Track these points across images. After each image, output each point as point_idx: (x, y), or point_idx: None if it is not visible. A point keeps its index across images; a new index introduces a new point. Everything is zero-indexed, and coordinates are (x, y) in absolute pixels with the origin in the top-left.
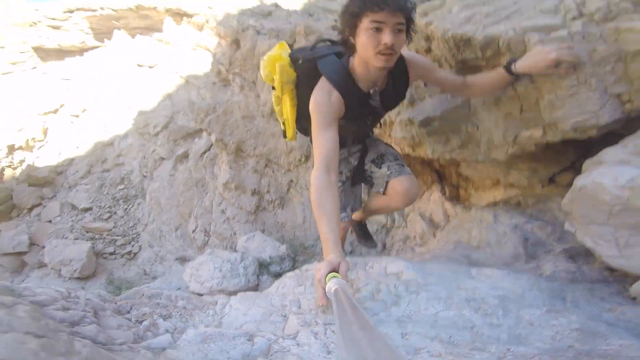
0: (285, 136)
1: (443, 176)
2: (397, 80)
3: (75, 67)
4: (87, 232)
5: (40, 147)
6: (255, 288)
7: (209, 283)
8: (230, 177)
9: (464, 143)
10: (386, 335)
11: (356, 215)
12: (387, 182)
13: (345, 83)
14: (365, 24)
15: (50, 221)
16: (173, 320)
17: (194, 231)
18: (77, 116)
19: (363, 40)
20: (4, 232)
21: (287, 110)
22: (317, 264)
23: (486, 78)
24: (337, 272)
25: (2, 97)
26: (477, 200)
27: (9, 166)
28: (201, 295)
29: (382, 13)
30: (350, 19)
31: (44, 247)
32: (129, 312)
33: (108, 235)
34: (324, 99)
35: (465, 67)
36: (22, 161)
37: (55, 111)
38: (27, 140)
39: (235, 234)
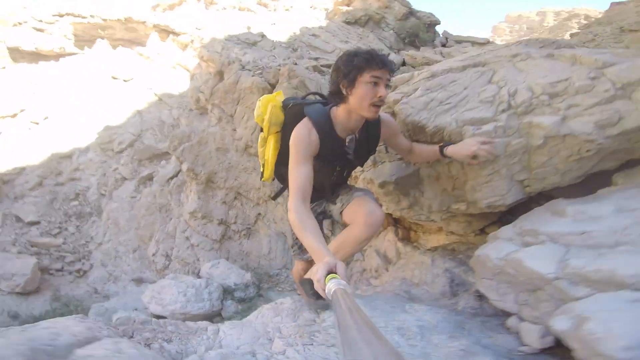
0: (262, 177)
1: (398, 220)
2: (371, 134)
3: (47, 72)
4: (33, 246)
5: None
6: (219, 313)
7: (171, 306)
8: (198, 207)
9: (411, 205)
10: (386, 336)
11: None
12: (341, 213)
13: (325, 126)
14: (366, 77)
15: None
16: (175, 344)
17: (154, 254)
18: (37, 123)
19: (361, 92)
20: None
21: (270, 153)
22: (313, 267)
23: (425, 152)
24: (335, 272)
25: None
26: (425, 242)
27: None
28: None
29: (381, 70)
30: (352, 71)
31: None
32: (132, 337)
33: (56, 251)
34: (304, 134)
35: (414, 140)
36: None
37: (14, 115)
38: None
39: (198, 260)
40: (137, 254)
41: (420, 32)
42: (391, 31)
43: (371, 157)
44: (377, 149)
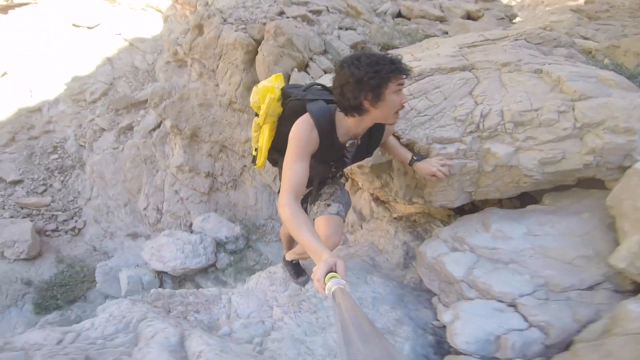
0: (254, 162)
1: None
2: (373, 138)
3: None
4: (23, 208)
5: None
6: (214, 264)
7: (172, 263)
8: (185, 161)
9: (382, 186)
10: (385, 335)
11: (289, 255)
12: (314, 220)
13: (327, 129)
14: (393, 88)
15: None
16: (203, 314)
17: (145, 209)
18: None
19: (389, 104)
20: None
21: (264, 140)
22: (314, 268)
23: (399, 154)
24: (335, 271)
25: None
26: (393, 208)
27: None
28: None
29: (405, 77)
30: (381, 85)
31: None
32: (170, 312)
33: (47, 210)
34: (306, 131)
35: None
36: None
37: None
38: None
39: (189, 213)
40: (128, 209)
41: None
42: None
43: None
44: None
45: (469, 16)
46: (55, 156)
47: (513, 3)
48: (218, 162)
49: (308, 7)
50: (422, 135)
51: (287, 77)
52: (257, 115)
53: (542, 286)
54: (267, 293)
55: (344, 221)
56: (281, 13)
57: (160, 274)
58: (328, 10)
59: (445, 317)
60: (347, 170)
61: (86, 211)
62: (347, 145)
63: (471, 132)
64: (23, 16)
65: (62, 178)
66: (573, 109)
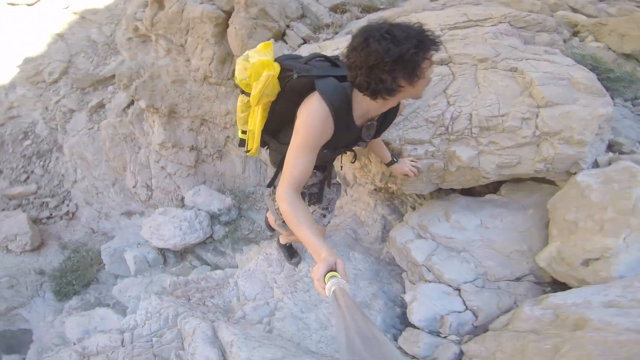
0: (243, 146)
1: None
2: (388, 117)
3: None
4: (11, 199)
5: None
6: (211, 236)
7: (172, 240)
8: (166, 138)
9: (362, 167)
10: (384, 335)
11: (283, 238)
12: None
13: (343, 114)
14: (428, 63)
15: None
16: (216, 298)
17: (134, 187)
18: None
19: (425, 81)
20: None
21: (256, 122)
22: (315, 267)
23: (381, 152)
24: (335, 270)
25: None
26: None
27: None
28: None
29: (437, 47)
30: (421, 63)
31: None
32: (190, 300)
33: (35, 198)
34: (320, 121)
35: None
36: None
37: None
38: None
39: (179, 187)
40: (117, 187)
41: None
42: None
43: None
44: None
45: None
46: (29, 142)
47: None
48: (200, 135)
49: None
50: (395, 137)
51: None
52: (243, 92)
53: (482, 275)
54: (266, 274)
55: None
56: None
57: (162, 250)
58: None
59: (407, 297)
60: None
61: (75, 194)
62: (364, 128)
63: (440, 134)
64: None
65: (41, 163)
66: (537, 116)
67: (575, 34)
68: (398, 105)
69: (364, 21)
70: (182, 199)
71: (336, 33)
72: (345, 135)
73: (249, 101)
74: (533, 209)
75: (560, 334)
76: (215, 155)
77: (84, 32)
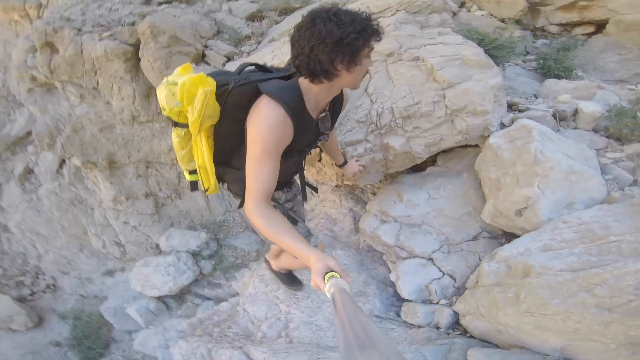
0: (196, 189)
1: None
2: (336, 108)
3: None
4: None
5: None
6: (201, 273)
7: (165, 287)
8: (116, 192)
9: (318, 172)
10: (385, 335)
11: (275, 266)
12: None
13: (298, 112)
14: (367, 51)
15: None
16: (234, 327)
17: (104, 247)
18: None
19: (363, 68)
20: None
21: (204, 154)
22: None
23: (335, 153)
24: (334, 270)
25: None
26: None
27: None
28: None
29: (378, 38)
30: (360, 49)
31: None
32: (212, 336)
33: (7, 280)
34: (277, 124)
35: None
36: None
37: None
38: None
39: (149, 236)
40: (86, 252)
41: None
42: None
43: None
44: None
45: None
46: None
47: None
48: (150, 178)
49: None
50: (338, 141)
51: None
52: (176, 125)
53: (445, 242)
54: (267, 294)
55: None
56: (148, 1)
57: (160, 298)
58: None
59: (392, 277)
60: None
61: (46, 267)
62: (319, 122)
63: (372, 130)
64: None
65: None
66: (444, 98)
67: (462, 4)
68: (342, 97)
69: (284, 24)
70: (157, 245)
71: (259, 42)
72: (306, 134)
73: (186, 133)
74: (467, 172)
75: (515, 282)
76: (174, 196)
77: None
